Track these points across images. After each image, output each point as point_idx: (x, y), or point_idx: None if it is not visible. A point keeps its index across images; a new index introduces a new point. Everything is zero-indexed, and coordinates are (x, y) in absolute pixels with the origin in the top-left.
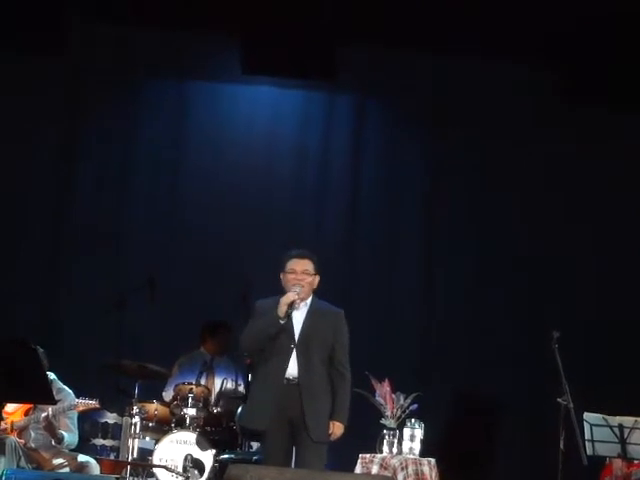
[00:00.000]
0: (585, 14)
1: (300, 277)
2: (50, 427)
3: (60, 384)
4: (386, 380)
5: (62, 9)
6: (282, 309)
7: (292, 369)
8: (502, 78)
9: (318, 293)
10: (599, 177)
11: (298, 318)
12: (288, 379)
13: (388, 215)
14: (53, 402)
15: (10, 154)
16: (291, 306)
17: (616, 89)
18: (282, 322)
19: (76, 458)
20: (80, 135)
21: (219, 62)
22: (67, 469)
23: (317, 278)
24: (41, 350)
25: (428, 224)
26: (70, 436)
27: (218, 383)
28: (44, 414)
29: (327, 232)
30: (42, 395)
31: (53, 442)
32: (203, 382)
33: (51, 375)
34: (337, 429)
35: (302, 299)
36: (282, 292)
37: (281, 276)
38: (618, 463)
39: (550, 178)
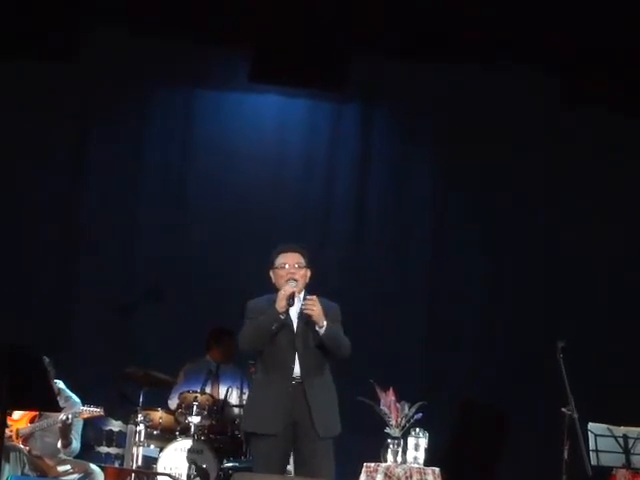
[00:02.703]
0: (588, 18)
1: (293, 270)
2: (65, 430)
3: (68, 392)
4: (390, 389)
5: (72, 15)
6: (281, 303)
7: (296, 367)
8: (510, 86)
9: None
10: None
11: (294, 314)
12: (294, 378)
13: (395, 225)
14: (58, 409)
15: (19, 158)
16: (291, 299)
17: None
18: (282, 317)
19: (84, 465)
20: (88, 142)
21: (226, 70)
22: (73, 476)
23: (309, 271)
24: (47, 360)
25: (436, 231)
26: (74, 443)
27: (223, 391)
28: (62, 416)
29: (333, 241)
30: (47, 402)
31: (59, 445)
32: (208, 390)
33: (59, 383)
34: (318, 310)
35: (298, 292)
36: (272, 291)
37: (271, 273)
38: (623, 473)
39: (558, 183)
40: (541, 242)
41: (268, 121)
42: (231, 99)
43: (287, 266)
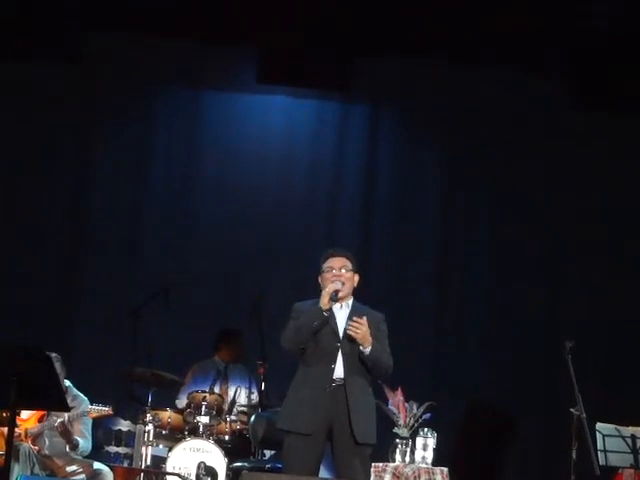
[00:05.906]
0: (589, 18)
1: (339, 274)
2: (66, 433)
3: (75, 391)
4: (399, 389)
5: (77, 18)
6: (324, 300)
7: (339, 370)
8: (515, 87)
9: None
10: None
11: (341, 318)
12: (335, 380)
13: (402, 224)
14: (67, 409)
15: (23, 159)
16: (334, 297)
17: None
18: (326, 314)
19: (90, 465)
20: (95, 145)
21: (234, 71)
22: (81, 476)
23: (357, 276)
24: (57, 356)
25: (442, 233)
26: (84, 442)
27: (231, 391)
28: (60, 419)
29: (341, 241)
30: (56, 402)
31: (67, 448)
32: (217, 390)
33: (66, 382)
34: (362, 333)
35: (344, 295)
36: (317, 295)
37: (319, 279)
38: (629, 473)
39: (564, 182)
40: (545, 242)
41: (275, 122)
42: (239, 100)
43: (334, 270)
